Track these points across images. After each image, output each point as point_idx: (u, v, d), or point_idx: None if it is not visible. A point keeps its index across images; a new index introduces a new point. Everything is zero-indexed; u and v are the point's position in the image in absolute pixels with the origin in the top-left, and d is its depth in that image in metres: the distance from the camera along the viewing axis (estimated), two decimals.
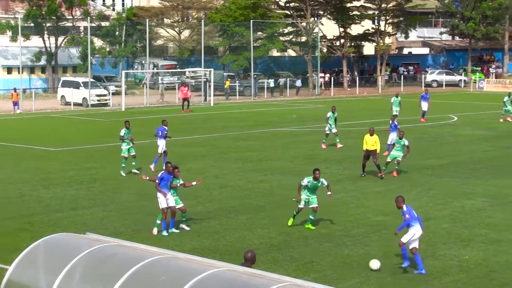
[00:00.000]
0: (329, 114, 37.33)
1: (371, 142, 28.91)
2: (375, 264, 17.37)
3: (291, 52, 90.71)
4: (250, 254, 12.55)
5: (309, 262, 18.13)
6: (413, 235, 17.11)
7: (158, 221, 20.87)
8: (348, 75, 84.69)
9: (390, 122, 34.40)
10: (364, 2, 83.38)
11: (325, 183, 21.20)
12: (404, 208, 17.24)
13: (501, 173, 29.66)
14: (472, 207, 23.89)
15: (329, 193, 21.47)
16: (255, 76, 73.05)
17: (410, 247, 17.14)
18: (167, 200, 20.72)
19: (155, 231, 20.79)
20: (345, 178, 28.98)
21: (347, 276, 17.09)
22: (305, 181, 21.07)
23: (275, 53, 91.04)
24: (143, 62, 75.50)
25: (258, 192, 26.50)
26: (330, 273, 17.33)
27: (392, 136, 33.25)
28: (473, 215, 22.71)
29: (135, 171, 29.49)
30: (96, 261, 11.59)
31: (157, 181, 20.88)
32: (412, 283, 16.59)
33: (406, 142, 28.92)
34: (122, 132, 29.71)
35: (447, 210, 23.48)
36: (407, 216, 17.13)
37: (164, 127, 30.95)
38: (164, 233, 20.64)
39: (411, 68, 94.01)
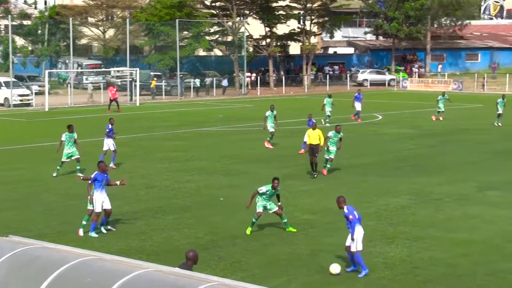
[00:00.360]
0: (268, 112, 37.18)
1: (314, 136, 28.89)
2: (335, 268, 17.02)
3: (217, 52, 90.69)
4: (192, 253, 12.42)
5: (236, 261, 18.12)
6: (357, 238, 16.90)
7: (84, 222, 20.57)
8: (274, 75, 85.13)
9: (307, 120, 34.76)
10: (290, 2, 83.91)
11: (279, 189, 20.96)
12: (345, 210, 17.01)
13: (425, 171, 30.17)
14: (396, 204, 24.23)
15: (279, 203, 21.01)
16: (181, 75, 72.81)
17: (347, 244, 17.07)
18: (102, 202, 20.47)
19: (81, 232, 20.49)
20: (271, 177, 28.96)
21: (275, 274, 17.13)
22: (263, 189, 20.56)
23: (201, 52, 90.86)
24: (67, 61, 74.46)
25: (184, 192, 26.38)
26: (258, 272, 17.34)
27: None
28: (398, 213, 23.03)
29: (80, 174, 28.14)
30: (19, 265, 11.33)
31: (90, 181, 20.58)
32: (339, 281, 16.71)
33: (341, 135, 29.38)
34: (63, 137, 28.88)
35: (372, 208, 23.75)
36: (350, 217, 16.91)
37: (109, 125, 31.18)
38: (93, 234, 20.36)
39: (336, 67, 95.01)
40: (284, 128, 42.71)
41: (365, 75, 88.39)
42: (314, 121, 34.82)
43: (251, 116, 53.19)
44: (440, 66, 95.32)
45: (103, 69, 76.46)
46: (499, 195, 25.61)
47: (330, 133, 29.43)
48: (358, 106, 48.93)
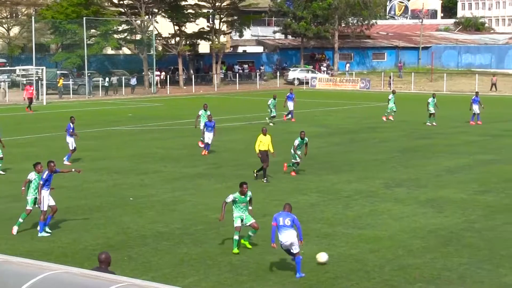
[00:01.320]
0: (201, 111, 36.78)
1: (265, 142, 28.14)
2: (322, 257, 17.53)
3: (126, 50, 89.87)
4: (104, 256, 12.20)
5: (147, 261, 17.98)
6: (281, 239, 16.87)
7: (21, 220, 20.51)
8: (184, 74, 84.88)
9: (207, 121, 34.60)
10: (199, 1, 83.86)
11: (250, 194, 19.22)
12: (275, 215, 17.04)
13: (334, 169, 30.55)
14: (306, 202, 24.45)
15: (250, 207, 19.34)
16: (89, 74, 71.86)
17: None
18: (48, 201, 20.46)
19: (15, 230, 20.44)
20: (182, 176, 29.00)
21: (186, 274, 17.08)
22: (230, 198, 18.84)
23: (109, 51, 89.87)
24: None
25: (94, 192, 26.04)
26: (169, 271, 17.25)
27: (209, 136, 33.67)
28: (307, 210, 23.24)
29: (1, 172, 28.91)
30: None
31: (41, 182, 20.38)
32: (250, 279, 16.77)
33: (306, 140, 29.29)
34: None
35: (282, 206, 23.83)
36: (273, 223, 17.03)
37: (70, 124, 31.72)
38: (44, 233, 20.26)
39: (246, 66, 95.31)
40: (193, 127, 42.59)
41: (296, 73, 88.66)
42: (214, 121, 34.77)
43: (161, 115, 52.94)
44: (348, 65, 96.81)
45: (8, 68, 74.78)
46: (405, 191, 26.15)
47: (296, 142, 29.13)
48: (290, 105, 49.23)
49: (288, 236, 16.84)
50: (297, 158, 29.29)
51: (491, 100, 51.11)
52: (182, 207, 23.71)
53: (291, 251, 16.99)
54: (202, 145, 35.05)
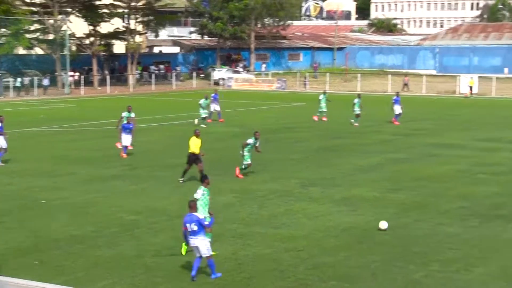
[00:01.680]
0: (125, 113, 36.08)
1: (196, 145, 27.41)
2: (383, 224, 20.50)
3: (38, 50, 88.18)
4: None
5: (59, 265, 17.65)
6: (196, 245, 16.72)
7: None
8: (99, 74, 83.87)
9: (125, 123, 34.19)
10: (114, 0, 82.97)
11: None
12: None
13: (249, 169, 30.55)
14: (221, 202, 24.39)
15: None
16: None
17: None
18: None
19: None
20: (96, 178, 28.63)
21: (100, 277, 16.84)
22: (199, 193, 18.17)
23: (21, 51, 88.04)
24: None
25: (5, 195, 25.46)
26: (82, 275, 16.98)
27: (126, 138, 33.23)
28: (223, 211, 23.18)
29: None
30: None
31: None
32: (165, 280, 16.65)
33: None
34: None
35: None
36: (183, 227, 16.90)
37: None
38: None
39: (162, 66, 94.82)
40: (109, 128, 42.18)
41: (222, 73, 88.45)
42: (133, 124, 34.35)
43: (75, 116, 52.20)
44: (264, 65, 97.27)
45: None
46: (320, 191, 26.39)
47: (250, 140, 29.05)
48: (216, 107, 49.38)
49: (194, 242, 16.71)
50: (248, 159, 29.16)
51: (403, 100, 51.95)
52: (95, 209, 23.39)
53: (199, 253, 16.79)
54: (120, 147, 34.65)
